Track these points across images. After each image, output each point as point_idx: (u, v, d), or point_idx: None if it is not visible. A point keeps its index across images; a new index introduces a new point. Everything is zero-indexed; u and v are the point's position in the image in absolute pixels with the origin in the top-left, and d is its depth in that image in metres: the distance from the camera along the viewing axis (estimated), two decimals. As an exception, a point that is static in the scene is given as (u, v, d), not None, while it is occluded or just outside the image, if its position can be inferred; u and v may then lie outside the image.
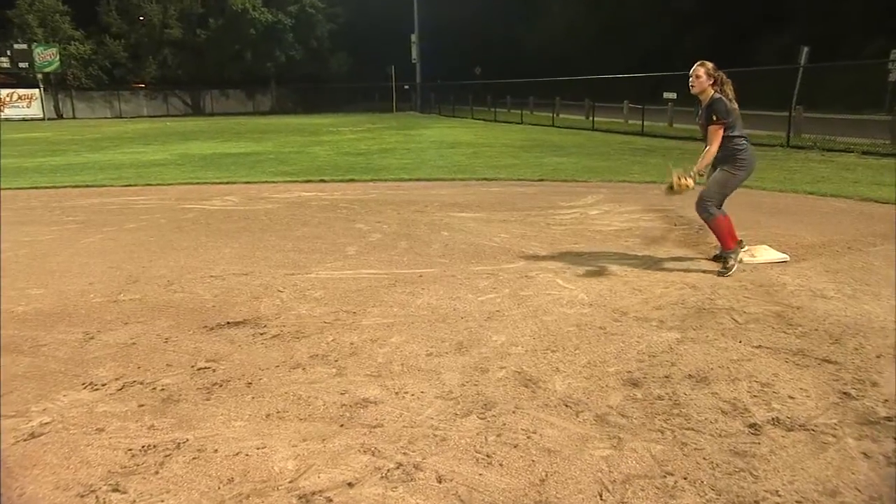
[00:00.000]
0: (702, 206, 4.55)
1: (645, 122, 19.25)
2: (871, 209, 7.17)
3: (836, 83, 23.52)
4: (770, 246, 5.36)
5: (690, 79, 4.60)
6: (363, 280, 4.72)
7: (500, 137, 19.40)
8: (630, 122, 22.27)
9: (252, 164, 12.79)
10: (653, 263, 5.08)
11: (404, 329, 3.73)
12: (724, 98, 4.49)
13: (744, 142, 4.55)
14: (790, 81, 16.69)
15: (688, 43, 37.95)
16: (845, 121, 14.64)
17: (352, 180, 10.31)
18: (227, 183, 10.23)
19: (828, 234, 5.94)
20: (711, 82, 4.52)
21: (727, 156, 4.52)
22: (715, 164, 4.63)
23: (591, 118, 22.86)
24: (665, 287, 4.46)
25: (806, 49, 17.92)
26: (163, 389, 3.02)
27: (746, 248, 5.06)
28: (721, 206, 4.77)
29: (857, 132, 13.74)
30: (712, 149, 4.41)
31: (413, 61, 44.75)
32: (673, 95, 21.00)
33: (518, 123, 26.08)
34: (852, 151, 12.91)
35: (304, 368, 3.22)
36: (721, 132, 4.45)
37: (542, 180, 10.02)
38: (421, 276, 4.82)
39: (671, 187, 4.48)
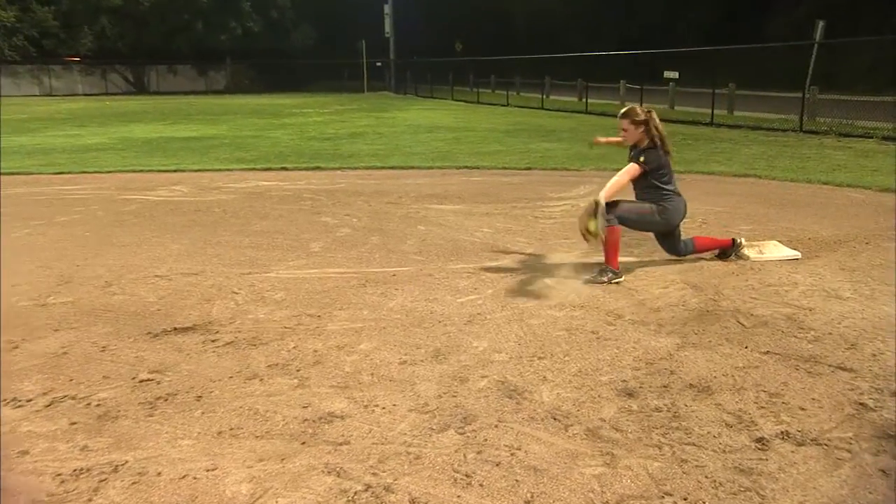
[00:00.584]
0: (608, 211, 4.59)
1: (644, 105, 19.39)
2: (891, 201, 7.31)
3: (854, 61, 23.92)
4: (780, 241, 5.43)
5: (619, 132, 4.77)
6: (329, 280, 4.71)
7: (484, 121, 19.45)
8: (627, 103, 22.40)
9: (204, 150, 12.70)
10: (651, 261, 5.13)
11: (375, 334, 3.73)
12: (659, 150, 4.64)
13: (670, 194, 4.67)
14: (804, 59, 16.92)
15: (692, 16, 38.34)
16: (864, 103, 14.83)
17: (317, 168, 10.29)
18: (175, 171, 10.16)
19: (844, 229, 6.04)
20: (643, 129, 4.65)
21: (653, 199, 4.68)
22: (642, 198, 4.75)
23: (584, 100, 23.03)
24: (664, 287, 4.51)
25: (821, 23, 18.13)
26: (98, 405, 2.98)
27: (745, 243, 5.12)
28: (677, 247, 4.95)
29: (878, 115, 13.97)
30: (621, 180, 4.53)
31: (386, 35, 44.67)
32: (675, 75, 21.23)
33: (503, 105, 26.16)
34: (872, 137, 13.16)
35: (261, 379, 3.20)
36: (635, 170, 4.57)
37: (529, 169, 10.08)
38: (394, 275, 4.82)
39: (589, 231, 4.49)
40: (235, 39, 46.01)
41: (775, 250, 5.18)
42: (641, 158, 4.61)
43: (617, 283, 4.53)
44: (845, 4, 28.93)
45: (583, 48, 26.27)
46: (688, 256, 5.06)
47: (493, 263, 5.10)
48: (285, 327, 3.85)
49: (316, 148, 12.98)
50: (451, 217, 6.76)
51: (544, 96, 25.77)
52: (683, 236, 5.00)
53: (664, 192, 4.66)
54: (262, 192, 8.34)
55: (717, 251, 5.11)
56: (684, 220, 4.94)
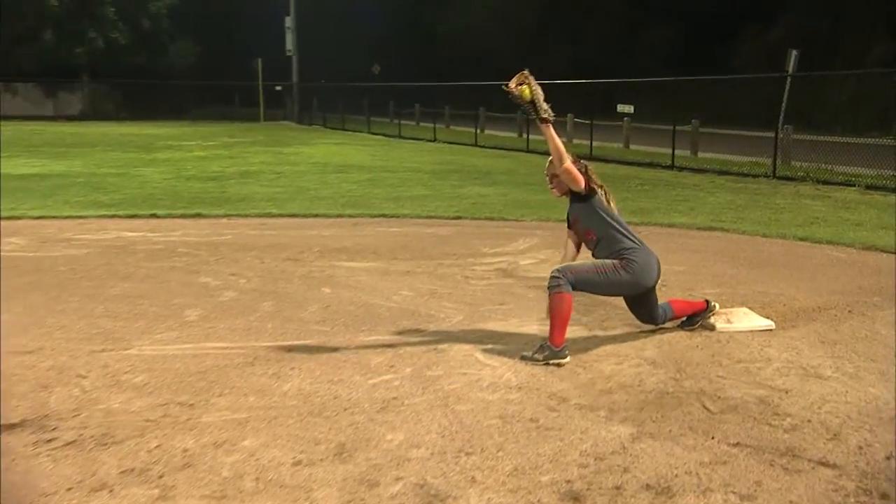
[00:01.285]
0: (557, 272, 4.70)
1: (594, 143, 20.05)
2: (877, 260, 7.71)
3: (833, 97, 25.45)
4: (751, 308, 5.63)
5: (548, 180, 5.01)
6: (207, 358, 4.63)
7: (406, 159, 19.69)
8: (575, 141, 23.13)
9: (49, 191, 12.41)
10: (602, 332, 5.23)
11: (263, 427, 3.65)
12: (601, 196, 4.87)
13: (635, 247, 4.80)
14: (776, 94, 17.89)
15: (649, 41, 40.19)
16: (845, 145, 15.71)
17: (198, 215, 10.20)
18: (9, 217, 9.85)
19: (823, 294, 6.32)
20: None
21: (612, 253, 4.79)
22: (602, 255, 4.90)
23: (524, 136, 23.64)
24: (617, 364, 4.60)
25: (795, 53, 19.23)
26: None
27: (717, 310, 5.30)
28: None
29: (860, 160, 14.79)
30: (557, 143, 4.74)
31: (288, 53, 45.01)
32: (629, 109, 22.11)
33: (430, 141, 26.59)
34: (854, 185, 13.91)
35: (111, 490, 3.08)
36: (575, 168, 4.75)
37: (459, 218, 10.23)
38: (290, 350, 4.78)
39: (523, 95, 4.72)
40: (95, 53, 45.28)
41: (745, 319, 5.37)
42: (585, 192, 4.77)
43: (557, 363, 4.57)
44: (822, 32, 30.81)
45: (524, 75, 27.04)
46: (644, 326, 5.18)
47: (414, 335, 5.10)
48: (147, 420, 3.73)
49: (196, 190, 12.87)
50: (363, 277, 6.76)
51: (478, 130, 26.34)
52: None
53: (626, 247, 4.77)
54: (124, 245, 8.17)
55: (684, 318, 5.25)
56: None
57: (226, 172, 15.84)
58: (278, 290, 6.31)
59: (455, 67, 43.97)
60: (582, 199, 4.83)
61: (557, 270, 4.71)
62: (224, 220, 9.91)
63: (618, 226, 4.80)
